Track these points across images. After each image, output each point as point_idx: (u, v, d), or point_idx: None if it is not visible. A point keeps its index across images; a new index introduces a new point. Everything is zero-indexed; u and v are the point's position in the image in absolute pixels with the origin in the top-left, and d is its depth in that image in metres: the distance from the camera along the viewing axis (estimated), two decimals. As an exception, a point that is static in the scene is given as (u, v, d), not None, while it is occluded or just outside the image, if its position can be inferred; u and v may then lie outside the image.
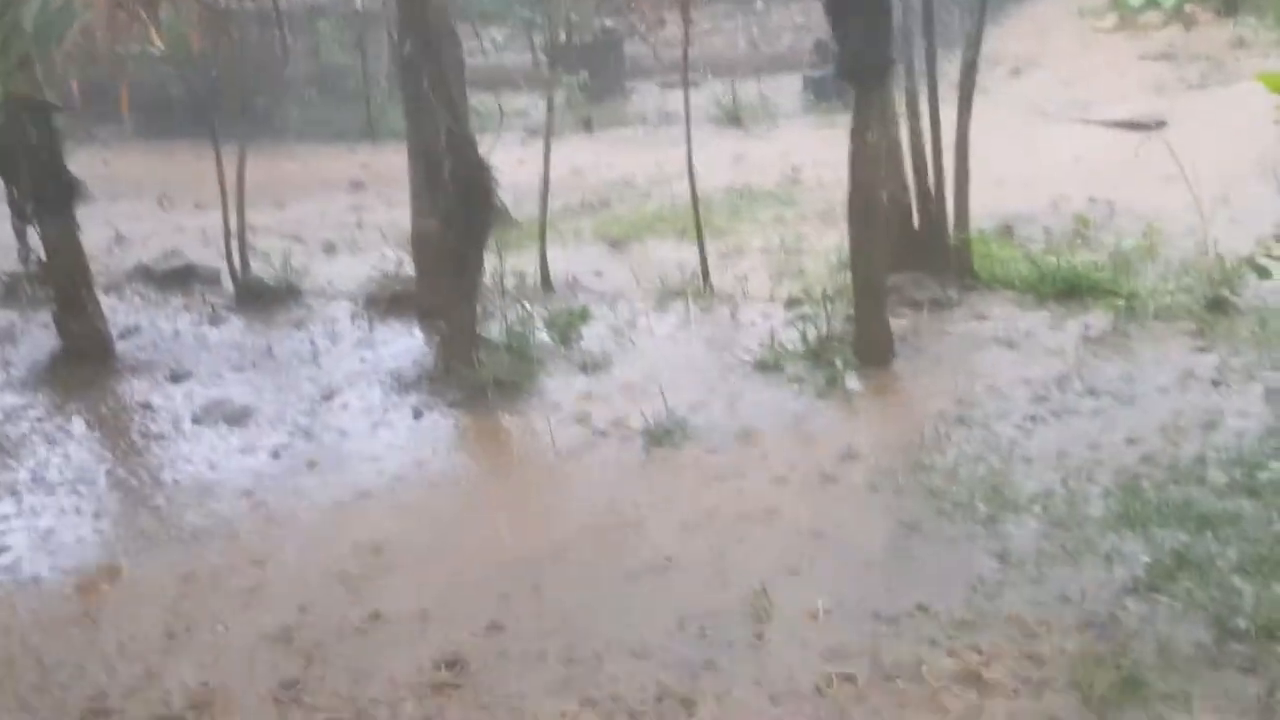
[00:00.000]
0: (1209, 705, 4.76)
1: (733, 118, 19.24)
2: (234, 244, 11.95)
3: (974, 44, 10.52)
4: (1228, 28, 20.50)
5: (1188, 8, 20.68)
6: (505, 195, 9.65)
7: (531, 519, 6.94)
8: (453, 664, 5.42)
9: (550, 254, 11.85)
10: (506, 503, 7.19)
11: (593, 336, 9.94)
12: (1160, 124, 16.02)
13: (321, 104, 21.90)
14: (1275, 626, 5.16)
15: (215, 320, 11.25)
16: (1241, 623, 5.23)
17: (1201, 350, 8.64)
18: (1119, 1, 21.51)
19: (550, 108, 12.51)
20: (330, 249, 13.67)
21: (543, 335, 9.89)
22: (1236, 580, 5.56)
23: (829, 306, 9.54)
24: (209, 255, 12.95)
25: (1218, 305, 9.48)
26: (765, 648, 5.41)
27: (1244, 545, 5.84)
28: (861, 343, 8.94)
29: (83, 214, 10.24)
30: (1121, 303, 9.42)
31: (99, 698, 5.34)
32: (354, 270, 12.30)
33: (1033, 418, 7.72)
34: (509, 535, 6.70)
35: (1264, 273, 9.64)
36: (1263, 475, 6.55)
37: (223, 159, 11.74)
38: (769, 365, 8.97)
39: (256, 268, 12.03)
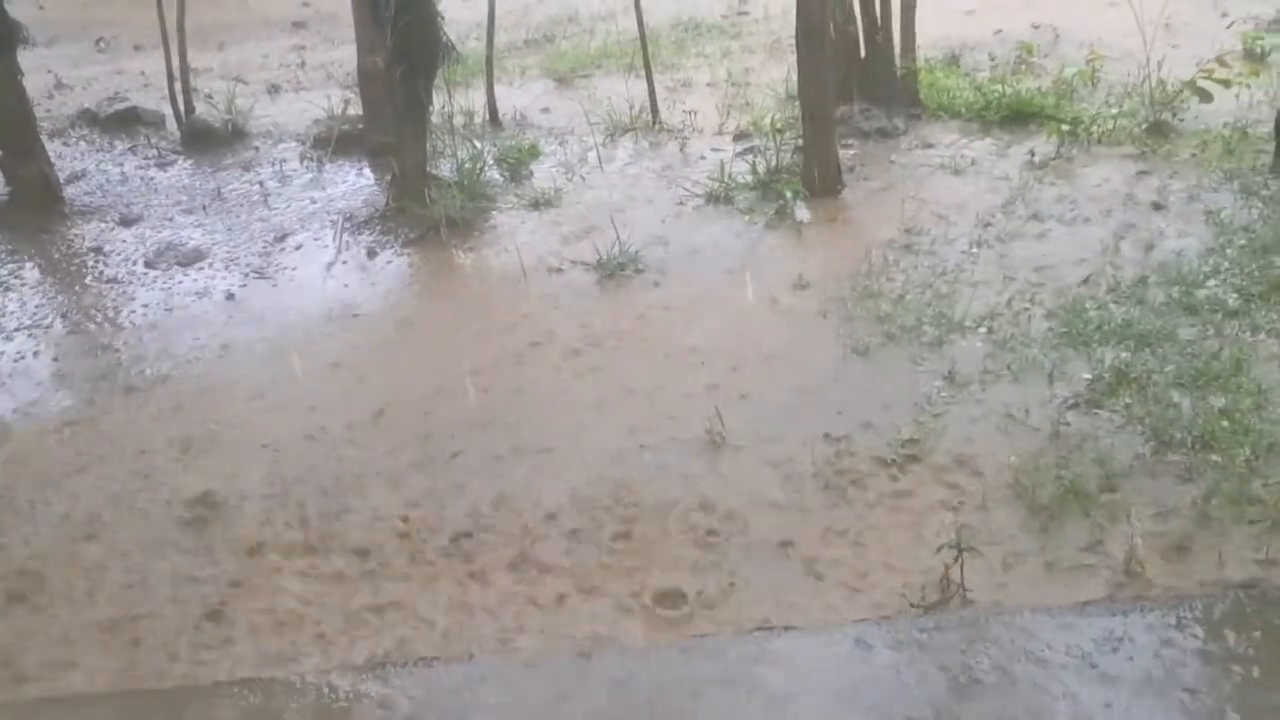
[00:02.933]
0: (1147, 513, 5.02)
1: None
2: (177, 86, 11.74)
3: None
4: None
5: None
6: (450, 31, 9.55)
7: (488, 352, 7.05)
8: (413, 506, 5.63)
9: (497, 91, 11.75)
10: (463, 338, 7.30)
11: (543, 173, 9.95)
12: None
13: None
14: (1210, 437, 5.43)
15: (162, 163, 11.12)
16: (1178, 434, 5.48)
17: (1143, 174, 8.78)
18: None
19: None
20: (274, 90, 13.44)
21: (493, 172, 9.88)
22: (1174, 394, 5.81)
23: (778, 138, 9.58)
24: (151, 98, 12.73)
25: (1159, 129, 9.61)
26: (719, 470, 5.65)
27: (1181, 361, 6.08)
28: (810, 173, 9.01)
29: (21, 59, 10.03)
30: (1065, 128, 9.53)
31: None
32: (300, 111, 12.14)
33: (979, 243, 7.87)
34: (465, 369, 6.84)
35: (1205, 95, 9.78)
36: (1200, 293, 6.76)
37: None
38: (719, 198, 9.04)
39: (201, 110, 11.84)
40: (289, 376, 6.89)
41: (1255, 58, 10.93)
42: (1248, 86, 9.90)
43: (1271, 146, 8.67)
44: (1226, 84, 9.82)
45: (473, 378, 6.68)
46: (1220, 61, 10.03)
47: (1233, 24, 11.97)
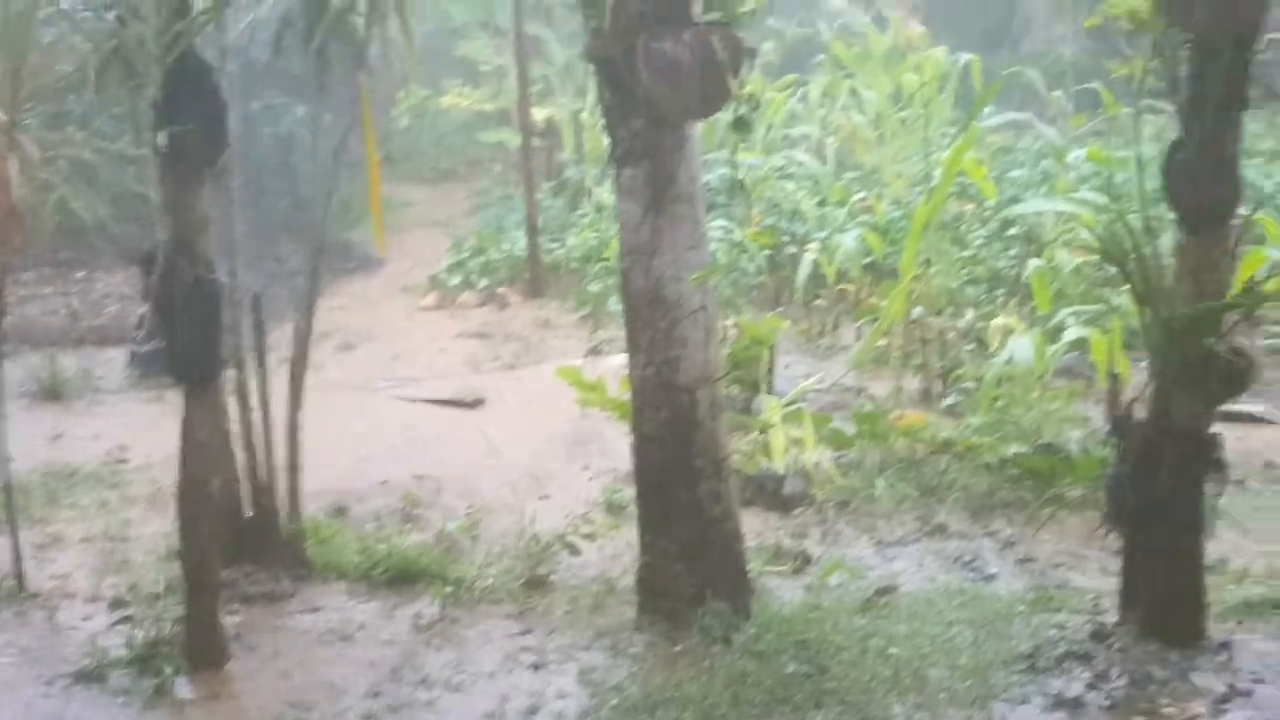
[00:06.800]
0: None
1: (51, 393, 18.13)
2: None
3: (303, 338, 10.71)
4: (536, 308, 22.55)
5: (500, 290, 22.60)
6: None
7: None
8: None
9: None
10: None
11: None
12: (479, 401, 16.96)
13: None
14: None
15: None
16: None
17: (522, 633, 9.15)
18: (436, 280, 23.08)
19: None
20: None
21: None
22: None
23: (158, 605, 9.17)
24: None
25: (536, 584, 10.14)
26: None
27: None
28: (192, 645, 8.62)
29: None
30: (448, 589, 9.82)
31: None
32: None
33: (369, 715, 7.81)
34: None
35: (573, 549, 10.57)
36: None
37: None
38: (91, 676, 8.40)
39: None
40: None
41: (616, 510, 11.96)
42: (610, 539, 10.78)
43: (635, 601, 9.39)
44: (591, 538, 10.69)
45: None
46: (585, 518, 10.95)
47: (593, 477, 13.17)
